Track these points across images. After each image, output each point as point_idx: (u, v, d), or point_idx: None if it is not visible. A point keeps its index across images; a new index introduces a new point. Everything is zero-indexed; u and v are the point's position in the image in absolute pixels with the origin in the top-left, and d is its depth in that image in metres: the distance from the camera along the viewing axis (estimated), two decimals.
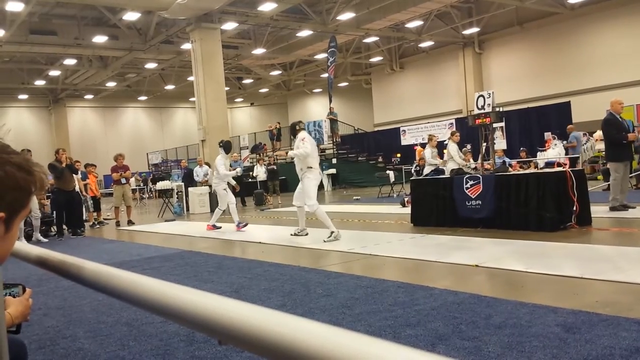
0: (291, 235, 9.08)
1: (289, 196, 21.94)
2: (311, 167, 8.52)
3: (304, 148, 8.40)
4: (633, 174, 14.51)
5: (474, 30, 27.41)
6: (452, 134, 13.40)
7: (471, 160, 15.03)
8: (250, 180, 20.56)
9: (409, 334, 3.59)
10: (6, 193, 1.20)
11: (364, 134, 30.38)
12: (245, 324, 0.92)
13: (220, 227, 11.12)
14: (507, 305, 4.03)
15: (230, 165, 17.39)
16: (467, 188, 8.64)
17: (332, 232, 8.26)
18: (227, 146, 11.25)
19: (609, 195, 9.37)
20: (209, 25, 20.56)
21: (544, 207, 7.64)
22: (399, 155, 23.60)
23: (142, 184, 29.44)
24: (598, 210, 8.97)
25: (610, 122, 9.45)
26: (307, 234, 9.01)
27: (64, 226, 12.35)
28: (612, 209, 9.13)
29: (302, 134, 8.70)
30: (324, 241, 8.12)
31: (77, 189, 12.64)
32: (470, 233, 7.96)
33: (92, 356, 3.67)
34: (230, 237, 10.03)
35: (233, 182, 11.61)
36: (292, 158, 8.94)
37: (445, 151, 13.62)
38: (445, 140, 15.61)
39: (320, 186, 9.01)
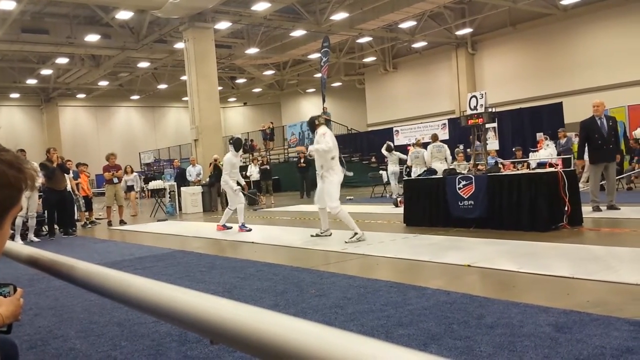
0: (312, 236, 8.66)
1: (281, 196, 21.99)
2: (334, 161, 8.10)
3: (326, 143, 8.00)
4: (624, 175, 14.62)
5: (467, 31, 27.47)
6: (417, 141, 13.85)
7: (464, 161, 15.18)
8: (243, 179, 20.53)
9: (402, 333, 3.60)
10: None
11: (357, 134, 30.38)
12: (238, 324, 0.92)
13: (230, 228, 10.84)
14: (499, 305, 4.05)
15: (222, 165, 17.46)
16: (459, 188, 8.67)
17: (355, 234, 7.87)
18: (236, 143, 11.05)
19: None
20: (202, 25, 20.51)
21: (536, 207, 7.68)
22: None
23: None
24: (589, 211, 9.05)
25: (582, 125, 9.62)
26: (331, 234, 8.59)
27: (56, 226, 12.28)
28: (593, 209, 9.30)
29: (323, 129, 8.29)
30: (346, 242, 7.76)
31: (69, 188, 12.58)
32: (463, 233, 7.98)
33: (83, 356, 3.66)
34: (223, 237, 10.01)
35: (243, 182, 11.41)
36: (312, 155, 8.46)
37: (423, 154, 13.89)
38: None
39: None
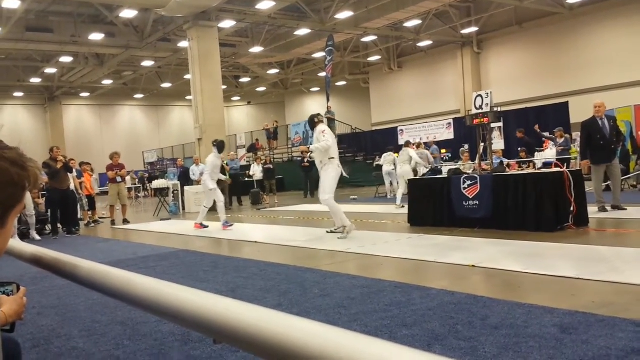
0: (338, 238, 8.38)
1: (285, 196, 21.98)
2: (332, 159, 8.33)
3: (325, 141, 8.24)
4: (631, 175, 14.57)
5: (473, 29, 27.43)
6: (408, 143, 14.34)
7: (469, 161, 15.28)
8: (247, 179, 20.54)
9: (406, 334, 3.58)
10: (0, 189, 1.18)
11: (361, 133, 30.36)
12: (241, 323, 0.91)
13: (207, 227, 11.09)
14: (504, 306, 4.02)
15: (227, 164, 17.51)
16: (464, 188, 8.63)
17: (343, 227, 8.18)
18: (220, 145, 11.30)
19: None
20: (207, 23, 20.52)
21: (541, 207, 7.65)
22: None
23: (137, 183, 29.39)
24: (595, 211, 9.00)
25: (584, 125, 9.59)
26: (355, 228, 8.57)
27: (59, 225, 12.30)
28: (599, 209, 9.25)
29: (322, 127, 8.54)
30: (334, 234, 8.10)
31: (72, 187, 12.59)
32: (468, 233, 7.95)
33: (86, 355, 3.65)
34: (226, 236, 10.01)
35: (224, 177, 11.76)
36: (312, 157, 8.78)
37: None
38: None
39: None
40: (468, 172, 10.27)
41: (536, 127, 17.72)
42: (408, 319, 3.90)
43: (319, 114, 8.90)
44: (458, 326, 3.65)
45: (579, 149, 16.79)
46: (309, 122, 9.02)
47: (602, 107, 9.50)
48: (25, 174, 1.24)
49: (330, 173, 8.32)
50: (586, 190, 8.30)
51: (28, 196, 10.84)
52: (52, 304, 5.19)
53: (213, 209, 11.26)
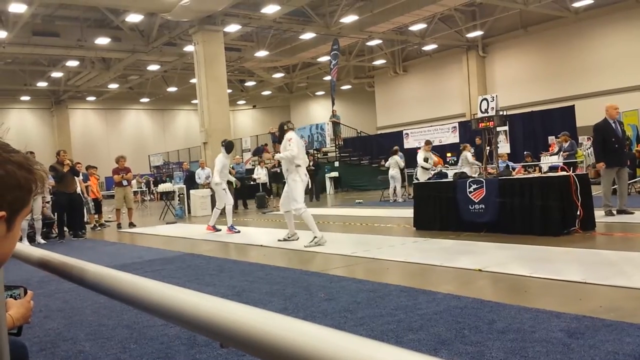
0: (279, 240, 8.88)
1: None
2: (298, 167, 8.37)
3: (290, 151, 8.32)
4: (638, 179, 14.50)
5: (478, 33, 27.39)
6: (427, 143, 14.41)
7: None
8: (252, 182, 20.55)
9: (412, 338, 3.57)
10: (7, 192, 1.18)
11: (366, 137, 30.34)
12: (247, 327, 0.90)
13: (219, 230, 11.10)
14: (511, 310, 4.01)
15: (233, 167, 17.54)
16: (470, 192, 8.61)
17: (314, 237, 8.14)
18: (229, 146, 11.30)
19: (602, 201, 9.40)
20: (212, 28, 20.59)
21: (548, 211, 7.61)
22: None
23: (143, 186, 29.47)
24: (602, 215, 8.96)
25: (597, 128, 9.47)
26: (298, 239, 8.79)
27: (65, 228, 12.34)
28: (605, 213, 9.17)
29: (289, 135, 8.57)
30: (305, 246, 8.05)
31: (78, 190, 12.63)
32: (474, 237, 7.92)
33: (92, 359, 3.66)
34: (232, 240, 10.02)
35: (233, 179, 11.73)
36: (273, 160, 8.93)
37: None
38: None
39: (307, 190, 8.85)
40: (474, 175, 10.25)
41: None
42: (414, 323, 3.88)
43: (288, 122, 8.97)
44: (464, 330, 3.63)
45: (586, 152, 16.75)
46: (278, 129, 9.14)
47: (618, 110, 9.40)
48: (32, 177, 1.24)
49: (297, 182, 8.36)
50: (593, 194, 8.26)
51: (38, 199, 10.92)
52: (59, 307, 5.20)
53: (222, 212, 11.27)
